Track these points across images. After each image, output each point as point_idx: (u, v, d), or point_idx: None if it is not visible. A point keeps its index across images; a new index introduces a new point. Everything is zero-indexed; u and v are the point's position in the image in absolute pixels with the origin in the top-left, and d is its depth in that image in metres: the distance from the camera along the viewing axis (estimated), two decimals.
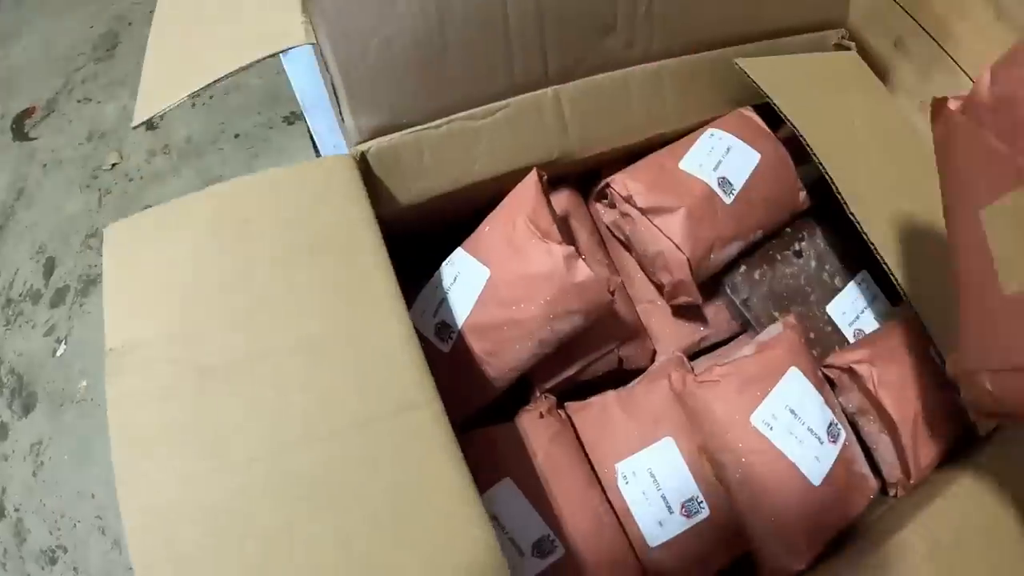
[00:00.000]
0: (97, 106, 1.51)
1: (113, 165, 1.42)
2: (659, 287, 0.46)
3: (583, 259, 0.37)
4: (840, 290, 0.48)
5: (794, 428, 0.38)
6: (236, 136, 1.39)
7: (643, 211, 0.43)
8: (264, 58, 0.48)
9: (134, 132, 1.43)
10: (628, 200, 0.44)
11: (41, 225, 1.42)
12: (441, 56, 0.42)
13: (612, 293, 0.39)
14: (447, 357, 0.42)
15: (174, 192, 1.33)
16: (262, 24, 0.47)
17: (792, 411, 0.39)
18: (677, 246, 0.42)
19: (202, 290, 0.33)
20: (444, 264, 0.43)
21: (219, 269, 0.33)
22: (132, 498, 0.28)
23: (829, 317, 0.48)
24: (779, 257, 0.48)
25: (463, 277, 0.41)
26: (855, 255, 0.49)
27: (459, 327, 0.41)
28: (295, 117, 1.40)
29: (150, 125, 1.43)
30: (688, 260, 0.42)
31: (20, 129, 1.55)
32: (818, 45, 0.55)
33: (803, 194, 0.48)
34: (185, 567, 0.27)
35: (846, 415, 0.43)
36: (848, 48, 0.56)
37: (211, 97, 1.44)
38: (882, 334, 0.44)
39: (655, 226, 0.43)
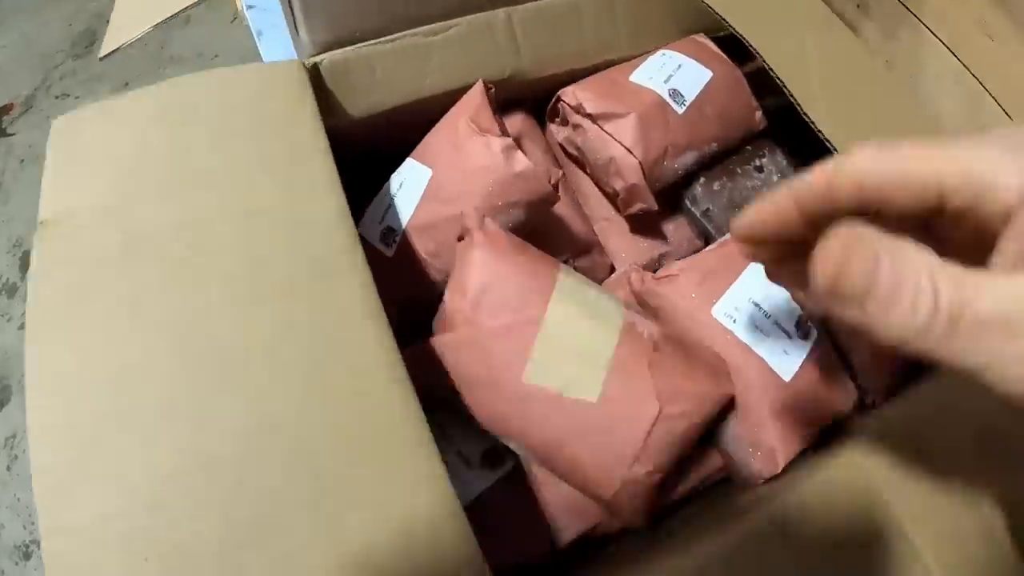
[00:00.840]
0: (75, 102, 1.52)
1: None
2: (613, 197, 0.46)
3: (521, 151, 0.37)
4: None
5: (759, 321, 0.37)
6: None
7: (593, 118, 0.44)
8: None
9: None
10: (578, 110, 0.44)
11: (17, 219, 1.42)
12: None
13: (554, 186, 0.39)
14: (391, 261, 0.42)
15: None
16: None
17: (756, 304, 0.38)
18: (628, 150, 0.42)
19: (141, 166, 0.33)
20: (393, 175, 0.43)
21: (160, 149, 0.33)
22: (38, 361, 0.27)
23: None
24: (739, 171, 0.48)
25: (408, 182, 0.41)
26: None
27: (400, 231, 0.41)
28: None
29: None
30: (640, 164, 0.42)
31: None
32: None
33: (759, 114, 0.48)
34: (78, 427, 0.26)
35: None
36: None
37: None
38: None
39: (606, 132, 0.43)
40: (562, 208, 0.45)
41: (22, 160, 1.50)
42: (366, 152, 0.46)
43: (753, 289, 0.38)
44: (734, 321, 0.37)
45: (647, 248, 0.47)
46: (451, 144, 0.39)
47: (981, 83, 0.59)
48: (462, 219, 0.38)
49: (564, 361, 0.34)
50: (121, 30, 0.49)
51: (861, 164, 0.19)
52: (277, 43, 0.55)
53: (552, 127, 0.49)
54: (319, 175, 0.34)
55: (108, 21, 1.65)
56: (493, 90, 0.43)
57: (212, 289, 0.29)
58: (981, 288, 0.16)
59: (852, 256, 0.17)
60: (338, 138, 0.45)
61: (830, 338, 0.41)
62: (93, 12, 1.68)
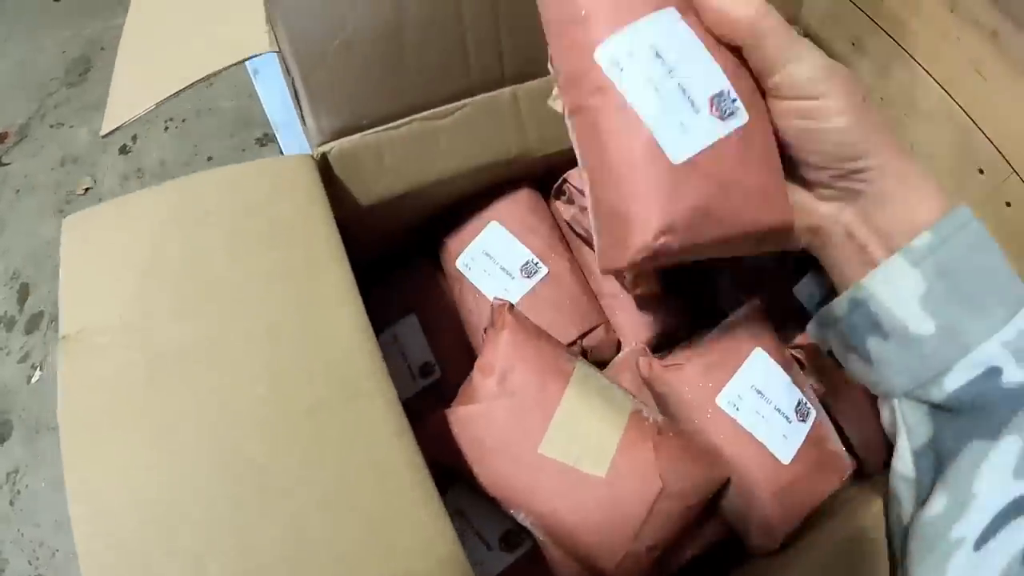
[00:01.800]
0: (70, 131, 1.52)
1: (86, 190, 1.42)
2: (620, 278, 0.47)
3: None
4: (806, 271, 0.49)
5: (760, 408, 0.39)
6: (209, 159, 1.40)
7: None
8: (229, 66, 0.49)
9: (107, 156, 1.43)
10: (584, 193, 0.45)
11: (14, 251, 1.41)
12: (399, 58, 0.43)
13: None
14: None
15: None
16: (230, 35, 0.48)
17: (758, 391, 0.39)
18: None
19: (158, 278, 0.33)
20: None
21: (176, 257, 0.34)
22: (79, 486, 0.28)
23: (795, 300, 0.48)
24: None
25: None
26: None
27: None
28: (268, 139, 1.41)
29: (123, 149, 1.44)
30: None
31: None
32: None
33: None
34: (128, 555, 0.26)
35: (817, 395, 0.44)
36: None
37: (184, 120, 1.44)
38: None
39: None
40: (570, 287, 0.46)
41: (17, 190, 1.49)
42: (376, 237, 0.47)
43: (755, 377, 0.40)
44: (737, 409, 0.39)
45: (653, 323, 0.47)
46: None
47: (974, 121, 0.59)
48: (492, 307, 0.41)
49: (577, 438, 0.37)
50: (122, 106, 0.49)
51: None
52: (273, 79, 0.55)
53: (558, 205, 0.49)
54: (336, 286, 0.34)
55: (103, 48, 1.64)
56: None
57: (242, 413, 0.30)
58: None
59: None
60: (349, 226, 0.46)
61: (829, 415, 0.43)
62: (88, 38, 1.68)
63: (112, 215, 0.36)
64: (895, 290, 0.27)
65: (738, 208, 0.28)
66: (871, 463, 0.43)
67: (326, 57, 0.42)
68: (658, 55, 0.28)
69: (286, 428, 0.30)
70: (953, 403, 0.27)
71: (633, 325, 0.47)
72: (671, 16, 0.28)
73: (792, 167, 0.30)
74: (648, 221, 0.27)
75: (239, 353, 0.31)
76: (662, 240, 0.27)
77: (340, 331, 0.32)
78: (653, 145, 0.27)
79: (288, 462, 0.29)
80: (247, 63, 0.55)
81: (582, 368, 0.40)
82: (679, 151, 0.27)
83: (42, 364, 1.32)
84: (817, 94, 0.28)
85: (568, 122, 0.33)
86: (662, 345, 0.49)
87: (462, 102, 0.45)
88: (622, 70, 0.28)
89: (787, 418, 0.39)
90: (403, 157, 0.45)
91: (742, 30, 0.28)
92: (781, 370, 0.41)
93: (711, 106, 0.28)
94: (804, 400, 0.40)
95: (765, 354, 0.41)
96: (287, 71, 0.43)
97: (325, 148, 0.43)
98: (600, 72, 0.28)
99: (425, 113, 0.44)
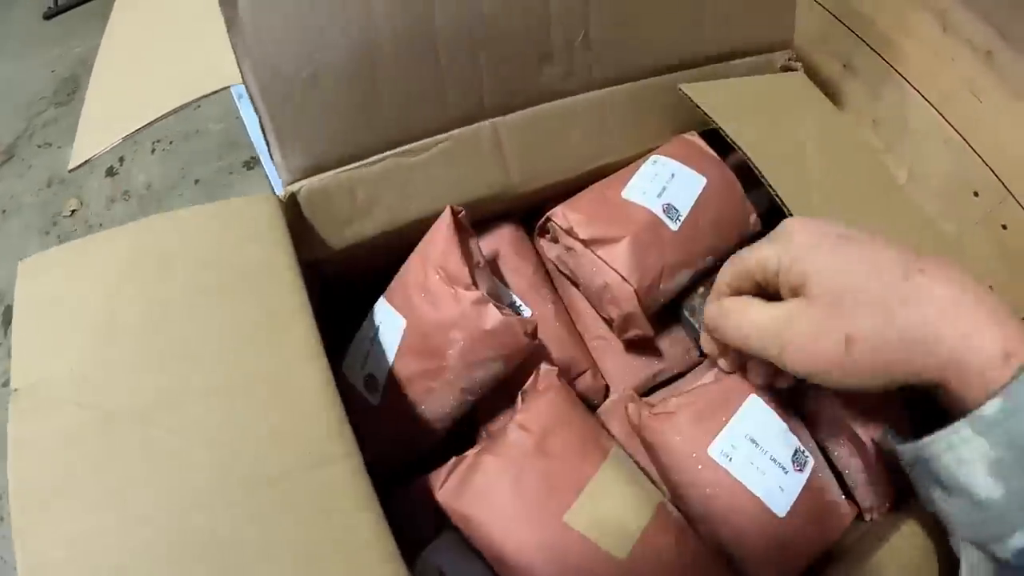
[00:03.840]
0: (57, 151, 1.49)
1: (73, 211, 1.40)
2: (608, 321, 0.44)
3: (493, 304, 0.36)
4: None
5: (755, 458, 0.37)
6: (196, 182, 1.37)
7: (585, 243, 0.42)
8: (196, 99, 0.47)
9: (94, 178, 1.41)
10: (569, 232, 0.42)
11: (0, 272, 1.39)
12: (371, 91, 0.41)
13: (531, 335, 0.37)
14: (377, 410, 0.40)
15: None
16: (203, 65, 0.46)
17: (753, 440, 0.37)
18: (623, 277, 0.41)
19: (115, 330, 0.31)
20: (368, 317, 0.41)
21: (133, 308, 0.32)
22: (28, 552, 0.26)
23: None
24: None
25: (383, 329, 0.39)
26: None
27: (383, 380, 0.39)
28: (255, 162, 1.39)
29: (110, 171, 1.41)
30: (636, 291, 0.41)
31: None
32: (764, 68, 0.55)
33: (754, 216, 0.47)
34: None
35: (815, 440, 0.41)
36: (795, 69, 0.56)
37: (171, 143, 1.42)
38: None
39: (599, 258, 0.41)
40: (556, 330, 0.44)
41: (3, 211, 1.47)
42: (351, 279, 0.44)
43: (749, 426, 0.38)
44: (730, 460, 0.37)
45: (642, 367, 0.45)
46: (421, 293, 0.38)
47: (969, 143, 0.58)
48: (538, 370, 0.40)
49: (604, 515, 0.35)
50: (89, 142, 0.47)
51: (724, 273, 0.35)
52: None
53: (543, 243, 0.47)
54: (300, 340, 0.32)
55: (92, 67, 1.63)
56: (463, 213, 0.41)
57: (198, 480, 0.28)
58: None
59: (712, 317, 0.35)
60: (323, 270, 0.44)
61: (827, 460, 0.41)
62: (77, 58, 1.66)
63: (69, 260, 0.34)
64: (959, 457, 0.27)
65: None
66: (871, 509, 0.41)
67: (293, 92, 0.40)
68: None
69: (247, 498, 0.27)
70: (1018, 560, 0.26)
71: (622, 369, 0.45)
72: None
73: None
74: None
75: (198, 414, 0.29)
76: None
77: (304, 389, 0.30)
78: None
79: (248, 535, 0.27)
80: (232, 86, 0.53)
81: (619, 451, 0.39)
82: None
83: None
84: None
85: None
86: (653, 390, 0.46)
87: (439, 136, 0.43)
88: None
89: (783, 468, 0.37)
90: (377, 196, 0.42)
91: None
92: (777, 418, 0.38)
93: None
94: (801, 449, 0.38)
95: (760, 401, 0.38)
96: (254, 107, 0.40)
97: (294, 188, 0.41)
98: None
99: (400, 149, 0.42)
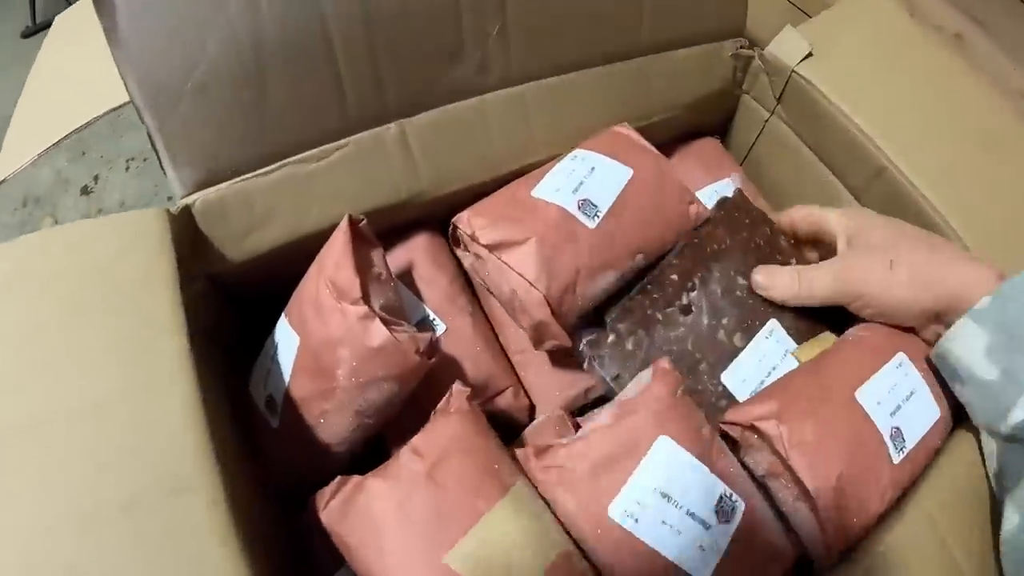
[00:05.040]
0: (32, 170, 1.51)
1: None
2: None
3: (379, 319, 0.32)
4: (741, 350, 0.40)
5: (667, 515, 0.31)
6: (169, 199, 1.36)
7: (490, 248, 0.38)
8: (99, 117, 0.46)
9: (68, 196, 1.42)
10: (473, 238, 0.39)
11: None
12: (262, 96, 0.38)
13: (425, 354, 0.34)
14: (277, 433, 0.37)
15: None
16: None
17: (664, 495, 0.31)
18: (531, 283, 0.37)
19: None
20: (271, 335, 0.39)
21: (11, 323, 0.32)
22: None
23: (724, 388, 0.39)
24: (660, 317, 0.40)
25: (281, 346, 0.37)
26: (771, 304, 0.42)
27: (280, 403, 0.36)
28: None
29: (84, 190, 1.43)
30: (546, 297, 0.37)
31: None
32: (711, 57, 0.51)
33: (694, 207, 0.42)
34: None
35: (754, 478, 0.36)
36: (750, 56, 0.52)
37: (145, 160, 1.42)
38: (793, 380, 0.38)
39: (504, 263, 0.38)
40: (472, 345, 0.40)
41: None
42: (260, 292, 0.42)
43: (659, 476, 0.32)
44: (636, 521, 0.31)
45: (571, 382, 0.41)
46: (313, 308, 0.35)
47: None
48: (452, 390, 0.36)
49: (490, 559, 0.30)
50: (12, 157, 0.47)
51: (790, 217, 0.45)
52: None
53: (459, 252, 0.43)
54: (171, 361, 0.31)
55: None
56: (364, 222, 0.38)
57: (58, 503, 0.27)
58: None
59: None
60: (226, 284, 0.41)
61: (768, 499, 0.35)
62: None
63: None
64: (964, 345, 0.34)
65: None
66: (817, 555, 0.34)
67: (180, 102, 0.38)
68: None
69: (102, 525, 0.27)
70: (1019, 434, 0.32)
71: (548, 386, 0.41)
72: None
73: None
74: None
75: (63, 435, 0.28)
76: None
77: (169, 412, 0.29)
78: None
79: (94, 564, 0.26)
80: None
81: (523, 488, 0.33)
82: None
83: None
84: (863, 294, 0.39)
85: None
86: (586, 408, 0.42)
87: (340, 141, 0.40)
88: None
89: (704, 523, 0.31)
90: (276, 206, 0.40)
91: (797, 303, 0.42)
92: (695, 460, 0.32)
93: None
94: (727, 493, 0.32)
95: (672, 443, 0.32)
96: (141, 119, 0.39)
97: (188, 200, 0.39)
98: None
99: (297, 156, 0.40)
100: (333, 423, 0.36)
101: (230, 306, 0.43)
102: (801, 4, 0.63)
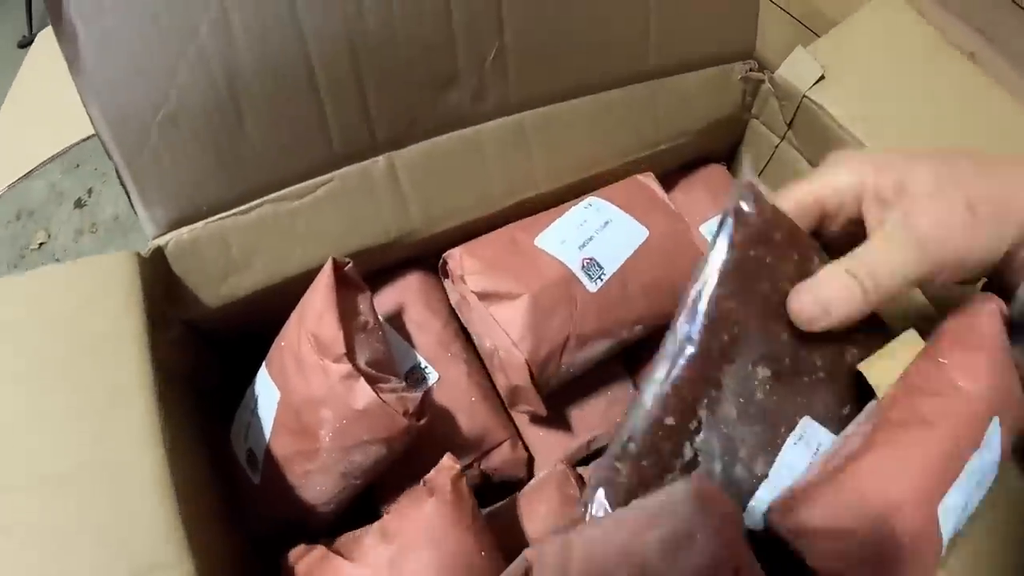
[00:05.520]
0: (26, 183, 1.48)
1: (40, 244, 1.38)
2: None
3: (365, 377, 0.29)
4: (762, 480, 0.29)
5: None
6: None
7: (479, 296, 0.35)
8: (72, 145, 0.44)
9: (62, 210, 1.39)
10: (462, 280, 0.36)
11: None
12: (238, 128, 0.35)
13: (415, 415, 0.31)
14: (258, 488, 0.34)
15: None
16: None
17: None
18: (514, 343, 0.34)
19: None
20: (251, 386, 0.36)
21: None
22: None
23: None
24: (666, 474, 0.28)
25: (261, 400, 0.34)
26: (801, 392, 0.29)
27: (261, 458, 0.33)
28: None
29: (78, 203, 1.40)
30: (527, 362, 0.34)
31: None
32: (720, 80, 0.48)
33: None
34: None
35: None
36: (760, 80, 0.49)
37: None
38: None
39: (491, 316, 0.35)
40: (467, 395, 0.37)
41: None
42: (239, 338, 0.39)
43: None
44: None
45: (574, 432, 0.38)
46: (295, 363, 0.32)
47: None
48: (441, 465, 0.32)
49: None
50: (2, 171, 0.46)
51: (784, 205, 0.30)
52: None
53: (446, 283, 0.40)
54: (139, 426, 0.29)
55: None
56: (350, 265, 0.35)
57: None
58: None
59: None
60: (198, 329, 0.38)
61: None
62: None
63: None
64: None
65: None
66: None
67: (149, 136, 0.35)
68: None
69: None
70: None
71: (548, 437, 0.38)
72: None
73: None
74: None
75: (26, 506, 0.27)
76: None
77: (139, 482, 0.28)
78: None
79: None
80: None
81: None
82: None
83: None
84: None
85: None
86: (588, 459, 0.39)
87: (323, 177, 0.37)
88: None
89: None
90: (255, 247, 0.37)
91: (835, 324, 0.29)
92: None
93: None
94: None
95: None
96: (108, 155, 0.36)
97: (160, 241, 0.36)
98: None
99: (277, 193, 0.37)
100: (317, 483, 0.33)
101: (209, 348, 0.40)
102: (808, 22, 0.61)
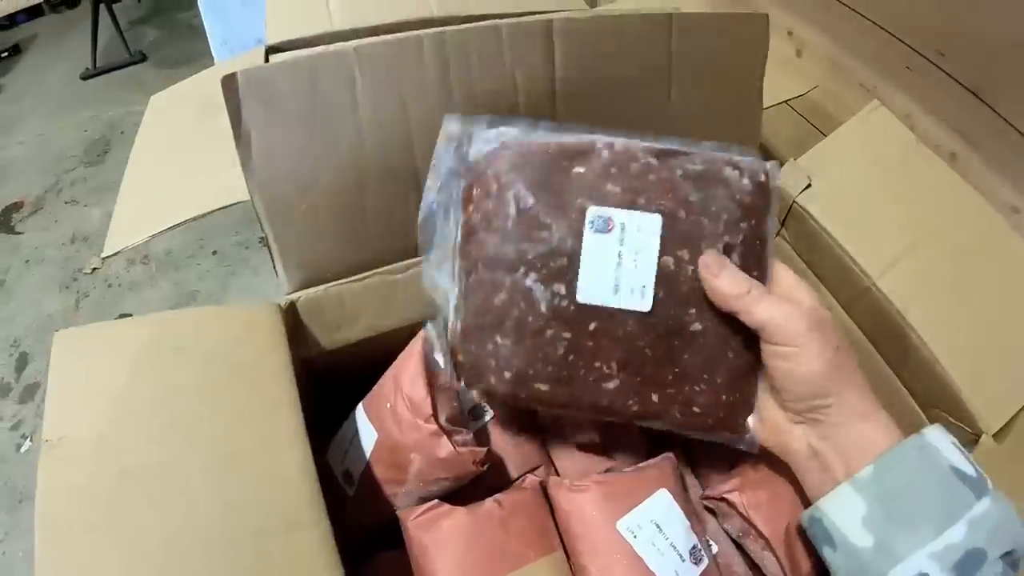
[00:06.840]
0: (83, 209, 1.58)
1: (93, 269, 1.47)
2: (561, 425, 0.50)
3: (446, 436, 0.42)
4: None
5: (656, 540, 0.42)
6: (214, 253, 1.45)
7: None
8: (216, 210, 0.54)
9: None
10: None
11: (18, 319, 1.46)
12: (360, 219, 0.47)
13: (480, 463, 0.42)
14: (351, 501, 0.45)
15: (150, 302, 1.37)
16: (223, 180, 0.53)
17: (657, 525, 0.42)
18: None
19: (133, 402, 0.37)
20: (351, 416, 0.47)
21: (150, 386, 0.37)
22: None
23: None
24: None
25: (360, 435, 0.45)
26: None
27: (357, 478, 0.45)
28: None
29: None
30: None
31: (7, 222, 1.61)
32: None
33: None
34: None
35: (732, 538, 0.47)
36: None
37: None
38: (751, 464, 0.47)
39: None
40: (515, 426, 0.49)
41: (27, 261, 1.54)
42: (340, 373, 0.50)
43: (656, 512, 0.43)
44: (635, 536, 0.42)
45: (594, 464, 0.50)
46: (392, 416, 0.43)
47: None
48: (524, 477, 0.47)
49: None
50: (123, 235, 0.55)
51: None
52: None
53: None
54: (287, 429, 0.37)
55: (123, 132, 1.73)
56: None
57: (196, 532, 0.33)
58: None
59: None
60: (314, 365, 0.50)
61: (742, 554, 0.47)
62: (109, 121, 1.77)
63: (99, 337, 0.40)
64: (841, 512, 0.35)
65: None
66: None
67: (294, 220, 0.46)
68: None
69: (233, 550, 0.33)
70: None
71: (574, 465, 0.50)
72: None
73: (774, 392, 0.39)
74: None
75: (198, 478, 0.34)
76: None
77: (285, 466, 0.36)
78: None
79: None
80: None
81: (560, 556, 0.43)
82: None
83: (32, 435, 1.33)
84: (798, 344, 0.35)
85: None
86: None
87: (419, 259, 0.49)
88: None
89: (680, 556, 0.42)
90: (363, 307, 0.49)
91: (733, 304, 0.36)
92: (683, 515, 0.44)
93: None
94: (699, 546, 0.43)
95: (669, 496, 0.44)
96: (259, 222, 0.47)
97: (293, 296, 0.47)
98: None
99: (384, 268, 0.49)
100: (400, 503, 0.45)
101: (311, 385, 0.52)
102: (817, 122, 0.72)
